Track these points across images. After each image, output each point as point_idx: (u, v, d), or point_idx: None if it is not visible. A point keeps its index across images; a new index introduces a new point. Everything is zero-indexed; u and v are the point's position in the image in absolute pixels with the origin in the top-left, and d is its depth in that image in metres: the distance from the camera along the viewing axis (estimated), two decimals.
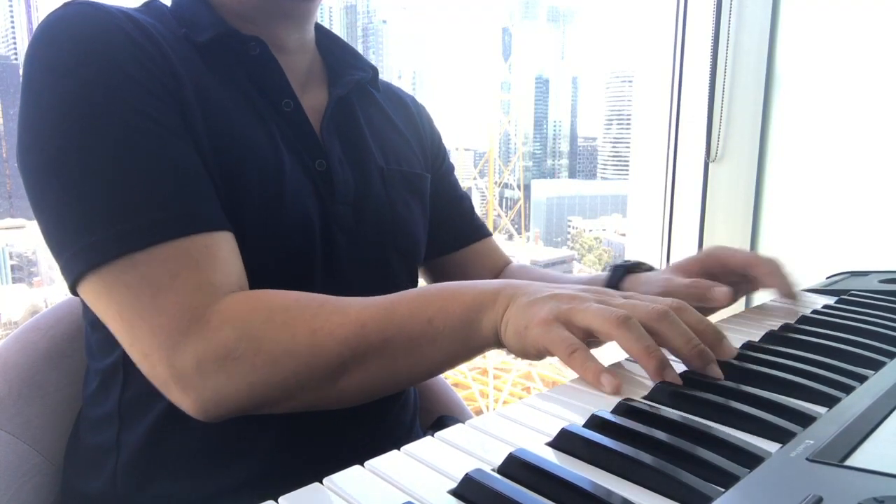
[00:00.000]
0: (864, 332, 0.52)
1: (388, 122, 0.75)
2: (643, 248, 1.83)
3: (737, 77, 1.53)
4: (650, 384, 0.41)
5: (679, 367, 0.43)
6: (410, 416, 0.73)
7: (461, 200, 0.85)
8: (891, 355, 0.47)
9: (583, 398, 0.40)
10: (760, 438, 0.34)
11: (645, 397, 0.40)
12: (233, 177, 0.56)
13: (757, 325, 0.55)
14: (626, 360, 0.47)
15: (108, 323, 0.51)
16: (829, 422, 0.36)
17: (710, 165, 1.58)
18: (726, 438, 0.33)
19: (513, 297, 0.47)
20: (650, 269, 0.69)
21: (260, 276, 0.57)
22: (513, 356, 0.50)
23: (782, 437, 0.34)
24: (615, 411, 0.37)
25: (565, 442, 0.34)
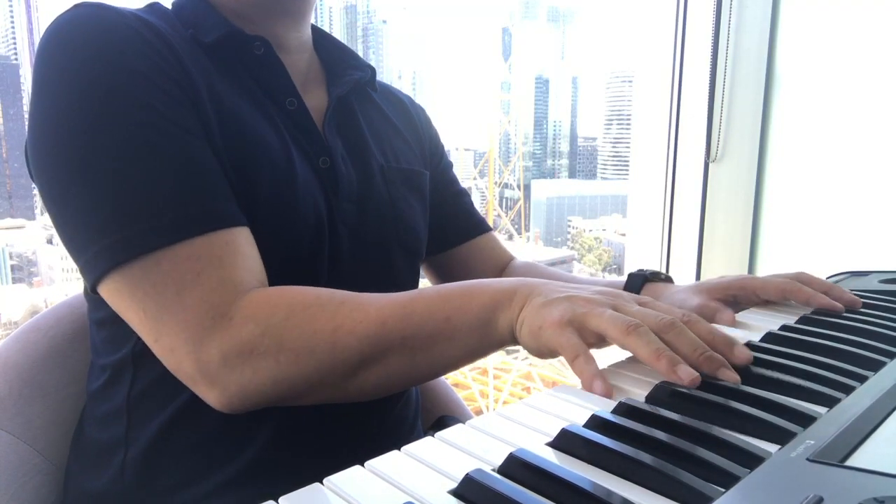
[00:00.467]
0: (864, 332, 0.52)
1: (386, 121, 0.75)
2: (643, 248, 1.83)
3: (737, 77, 1.53)
4: (650, 384, 0.41)
5: None
6: (413, 413, 0.73)
7: (461, 196, 0.85)
8: (891, 355, 0.47)
9: (583, 398, 0.40)
10: (760, 439, 0.34)
11: (645, 397, 0.40)
12: (246, 174, 0.57)
13: (757, 326, 0.55)
14: (627, 360, 0.47)
15: (130, 320, 0.52)
16: (829, 422, 0.36)
17: (710, 165, 1.58)
18: (726, 438, 0.33)
19: (529, 296, 0.48)
20: (668, 279, 0.70)
21: (268, 269, 0.57)
22: (513, 357, 0.51)
23: (782, 437, 0.34)
24: (615, 411, 0.37)
25: (565, 442, 0.34)
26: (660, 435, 0.33)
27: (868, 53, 1.35)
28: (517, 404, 0.39)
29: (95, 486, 0.62)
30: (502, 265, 0.85)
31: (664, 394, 0.40)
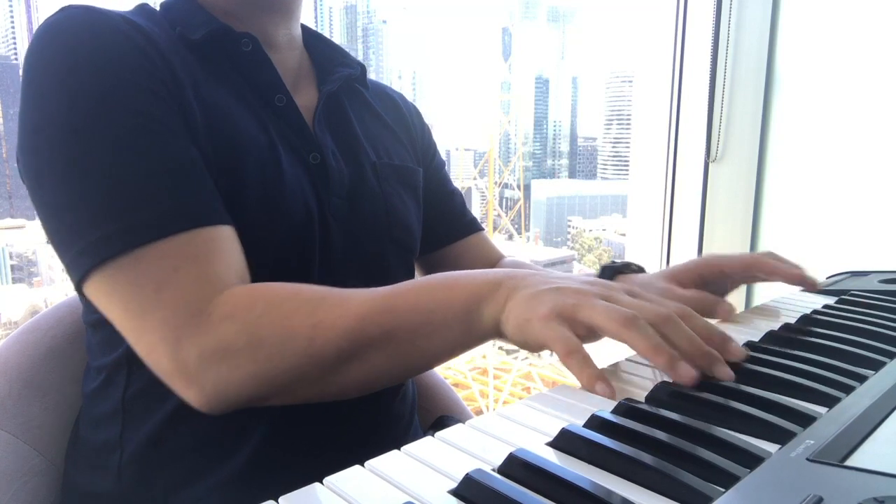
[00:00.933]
0: (865, 332, 0.52)
1: (377, 118, 0.75)
2: (643, 248, 1.83)
3: (737, 77, 1.53)
4: (650, 384, 0.41)
5: None
6: (409, 410, 0.73)
7: (452, 196, 0.85)
8: (891, 355, 0.47)
9: (583, 398, 0.40)
10: (760, 438, 0.34)
11: (645, 397, 0.40)
12: (232, 173, 0.57)
13: (757, 326, 0.55)
14: (627, 359, 0.47)
15: (113, 319, 0.52)
16: (829, 422, 0.36)
17: (710, 165, 1.58)
18: (726, 438, 0.33)
19: (514, 288, 0.47)
20: (640, 269, 0.69)
21: (259, 268, 0.57)
22: (513, 357, 0.50)
23: (782, 437, 0.34)
24: (615, 411, 0.37)
25: (565, 442, 0.34)
26: (660, 435, 0.33)
27: (868, 53, 1.35)
28: (517, 404, 0.39)
29: (93, 487, 0.62)
30: (491, 265, 0.85)
31: (664, 394, 0.40)
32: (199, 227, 0.51)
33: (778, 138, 1.52)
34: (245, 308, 0.49)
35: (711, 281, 0.61)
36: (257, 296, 0.50)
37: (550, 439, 0.34)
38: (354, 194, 0.66)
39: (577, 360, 0.42)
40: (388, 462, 0.33)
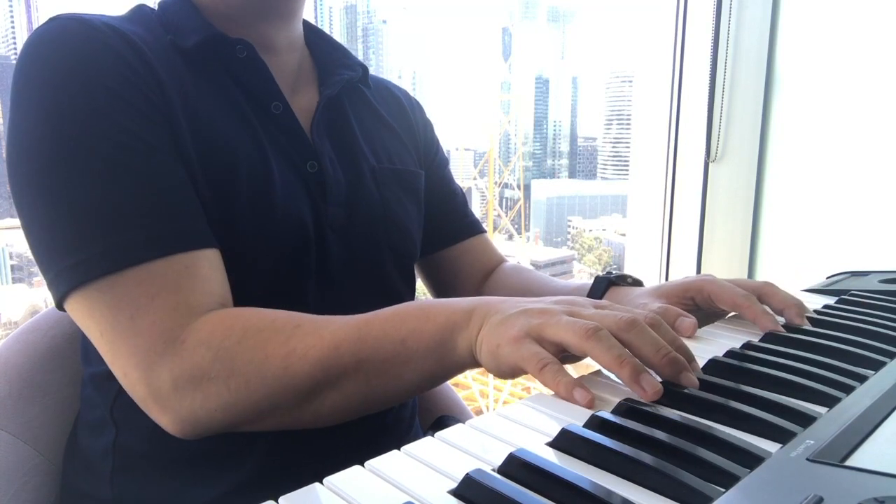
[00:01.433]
0: (865, 332, 0.52)
1: (379, 119, 0.74)
2: (643, 248, 1.83)
3: (737, 77, 1.53)
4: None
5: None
6: (410, 413, 0.73)
7: (453, 196, 0.83)
8: (891, 355, 0.47)
9: None
10: (760, 438, 0.34)
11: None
12: (222, 186, 0.56)
13: (757, 326, 0.55)
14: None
15: (92, 340, 0.51)
16: (829, 422, 0.36)
17: (710, 165, 1.58)
18: (726, 438, 0.33)
19: (486, 315, 0.46)
20: (636, 282, 0.68)
21: (254, 281, 0.57)
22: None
23: (782, 437, 0.34)
24: (615, 411, 0.37)
25: (565, 442, 0.34)
26: (660, 435, 0.33)
27: (868, 53, 1.35)
28: (517, 404, 0.39)
29: (89, 490, 0.62)
30: (491, 268, 0.83)
31: (664, 393, 0.40)
32: (179, 252, 0.51)
33: (778, 138, 1.52)
34: (220, 335, 0.49)
35: (702, 303, 0.60)
36: (233, 322, 0.50)
37: (550, 439, 0.34)
38: (353, 202, 0.65)
39: (551, 372, 0.41)
40: (388, 462, 0.33)
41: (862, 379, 0.42)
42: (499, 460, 0.32)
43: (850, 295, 0.65)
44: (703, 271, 1.64)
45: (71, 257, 0.49)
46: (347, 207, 0.64)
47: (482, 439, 0.35)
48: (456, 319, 0.47)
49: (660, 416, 0.36)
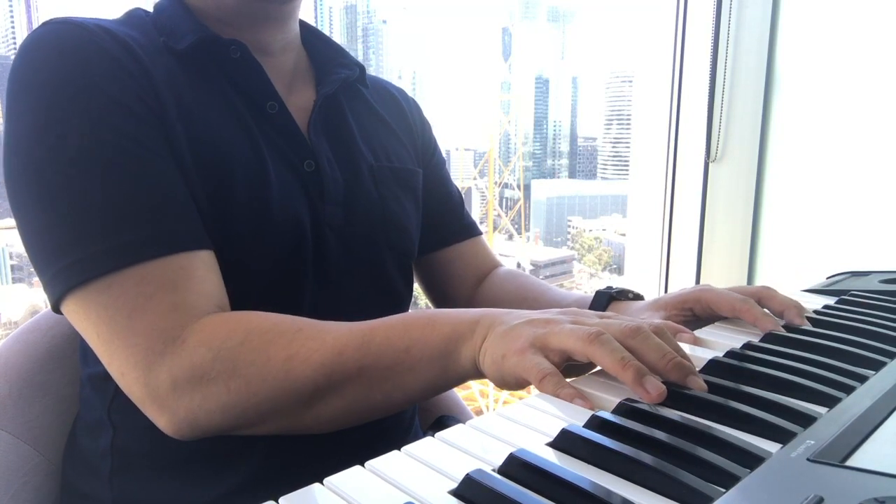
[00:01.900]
0: (865, 333, 0.52)
1: (377, 118, 0.74)
2: (643, 248, 1.83)
3: (737, 77, 1.53)
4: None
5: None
6: (410, 415, 0.72)
7: (450, 197, 0.83)
8: (891, 355, 0.47)
9: None
10: (761, 438, 0.34)
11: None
12: (218, 188, 0.56)
13: (757, 328, 0.55)
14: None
15: (88, 341, 0.51)
16: (829, 422, 0.36)
17: (710, 165, 1.58)
18: (727, 438, 0.33)
19: (490, 326, 0.46)
20: (637, 297, 0.68)
21: (252, 281, 0.57)
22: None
23: (783, 437, 0.34)
24: (615, 411, 0.37)
25: (566, 442, 0.34)
26: (660, 435, 0.33)
27: (868, 54, 1.35)
28: (517, 404, 0.39)
29: (88, 490, 0.62)
30: (485, 272, 0.82)
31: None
32: (175, 253, 0.51)
33: (778, 138, 1.52)
34: (221, 336, 0.49)
35: (701, 317, 0.61)
36: (234, 325, 0.50)
37: (550, 439, 0.34)
38: (350, 200, 0.65)
39: (551, 383, 0.41)
40: (388, 462, 0.33)
41: (862, 379, 0.42)
42: (499, 460, 0.32)
43: (850, 295, 0.65)
44: (703, 272, 1.64)
45: (66, 259, 0.49)
46: (345, 206, 0.64)
47: (482, 439, 0.35)
48: (461, 330, 0.47)
49: (660, 417, 0.36)
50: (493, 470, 0.31)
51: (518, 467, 0.31)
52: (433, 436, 0.35)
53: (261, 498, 0.29)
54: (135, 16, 0.62)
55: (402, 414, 0.70)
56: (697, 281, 1.65)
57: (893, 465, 0.30)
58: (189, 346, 0.48)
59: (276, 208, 0.58)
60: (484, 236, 0.87)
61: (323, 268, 0.62)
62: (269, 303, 0.54)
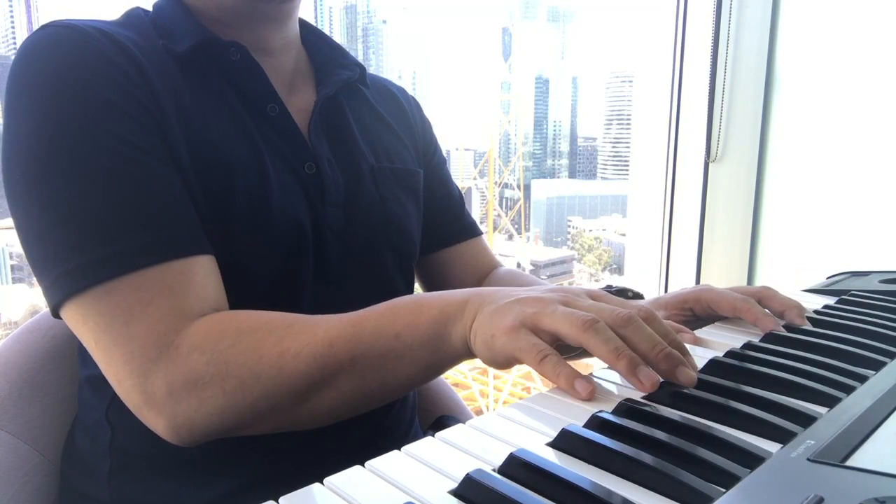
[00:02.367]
0: (865, 332, 0.52)
1: (377, 118, 0.74)
2: (643, 248, 1.83)
3: (737, 77, 1.53)
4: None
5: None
6: (410, 414, 0.72)
7: (450, 197, 0.82)
8: (891, 355, 0.47)
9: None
10: (761, 438, 0.34)
11: (645, 397, 0.40)
12: (218, 191, 0.56)
13: (758, 327, 0.55)
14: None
15: (86, 347, 0.51)
16: (829, 422, 0.36)
17: (710, 165, 1.58)
18: (727, 438, 0.33)
19: (480, 305, 0.46)
20: (637, 295, 0.68)
21: (252, 284, 0.57)
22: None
23: (783, 437, 0.34)
24: (615, 411, 0.37)
25: (566, 442, 0.34)
26: (660, 435, 0.33)
27: (868, 54, 1.35)
28: (517, 404, 0.39)
29: (87, 491, 0.62)
30: (485, 273, 0.82)
31: (664, 393, 0.40)
32: (173, 258, 0.51)
33: (778, 138, 1.52)
34: (213, 339, 0.48)
35: (699, 314, 0.61)
36: (226, 326, 0.50)
37: (550, 439, 0.34)
38: (351, 202, 0.65)
39: (551, 364, 0.41)
40: (388, 462, 0.33)
41: (862, 379, 0.42)
42: (499, 460, 0.32)
43: (850, 295, 0.65)
44: (703, 272, 1.64)
45: (66, 264, 0.49)
46: (346, 208, 0.64)
47: (482, 439, 0.35)
48: (450, 311, 0.47)
49: (660, 416, 0.36)
50: (493, 470, 0.31)
51: (518, 467, 0.31)
52: (433, 436, 0.35)
53: (261, 498, 0.29)
54: (134, 16, 0.62)
55: (401, 414, 0.70)
56: (697, 281, 1.65)
57: (893, 465, 0.30)
58: (183, 350, 0.48)
59: (276, 211, 0.58)
60: (484, 236, 0.87)
61: (323, 270, 0.62)
62: (269, 305, 0.54)
